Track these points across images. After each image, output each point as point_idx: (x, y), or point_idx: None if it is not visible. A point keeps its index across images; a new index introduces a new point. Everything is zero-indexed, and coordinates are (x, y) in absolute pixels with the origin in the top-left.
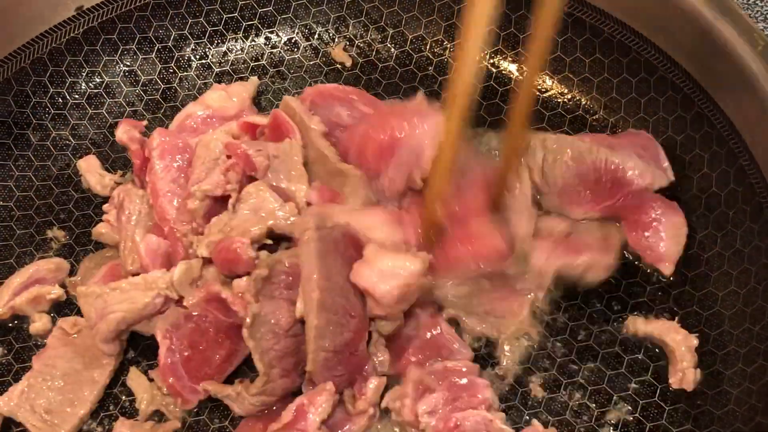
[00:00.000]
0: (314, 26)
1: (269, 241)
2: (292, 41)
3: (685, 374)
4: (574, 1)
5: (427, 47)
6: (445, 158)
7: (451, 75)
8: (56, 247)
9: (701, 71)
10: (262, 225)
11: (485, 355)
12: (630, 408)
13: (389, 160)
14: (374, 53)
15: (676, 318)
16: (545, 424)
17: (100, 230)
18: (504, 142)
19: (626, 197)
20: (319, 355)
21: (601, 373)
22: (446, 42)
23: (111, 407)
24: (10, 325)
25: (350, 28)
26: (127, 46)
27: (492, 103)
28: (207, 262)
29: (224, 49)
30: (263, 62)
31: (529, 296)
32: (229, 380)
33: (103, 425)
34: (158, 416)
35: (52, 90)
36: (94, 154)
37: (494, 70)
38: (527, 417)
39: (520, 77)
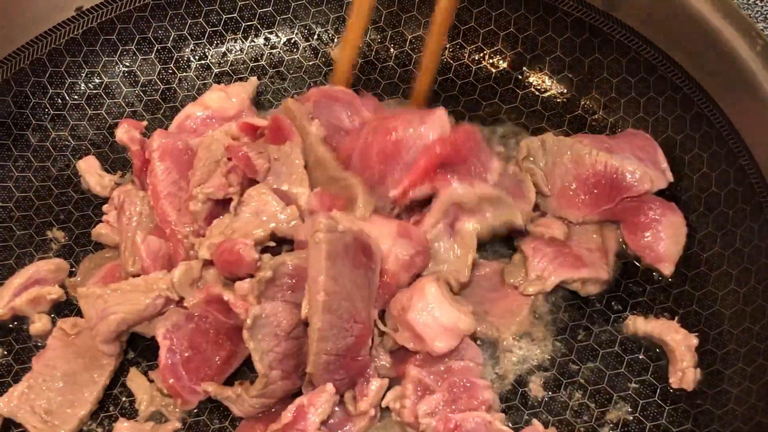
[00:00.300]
0: (314, 26)
1: (272, 243)
2: (292, 41)
3: (685, 374)
4: (574, 2)
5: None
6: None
7: None
8: (56, 247)
9: (701, 71)
10: (264, 228)
11: (485, 355)
12: (630, 408)
13: (395, 163)
14: (373, 53)
15: (676, 317)
16: (545, 424)
17: (100, 231)
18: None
19: (625, 201)
20: (321, 358)
21: (601, 373)
22: (445, 42)
23: (111, 408)
24: (10, 326)
25: None
26: (127, 47)
27: (491, 103)
28: (207, 263)
29: (223, 49)
30: (263, 63)
31: (528, 296)
32: (229, 381)
33: (103, 426)
34: (158, 417)
35: (51, 91)
36: (93, 154)
37: (493, 71)
38: (527, 417)
39: (520, 77)
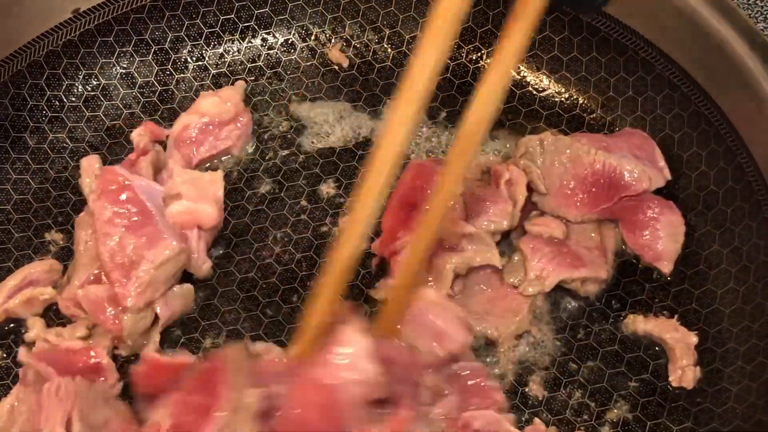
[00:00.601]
0: (311, 27)
1: None
2: (289, 42)
3: (684, 372)
4: None
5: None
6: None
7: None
8: (54, 250)
9: (699, 69)
10: None
11: (485, 355)
12: (630, 406)
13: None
14: (371, 54)
15: (676, 316)
16: (545, 423)
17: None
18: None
19: (623, 199)
20: None
21: (601, 372)
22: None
23: None
24: (7, 328)
25: (347, 29)
26: (124, 49)
27: None
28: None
29: (221, 50)
30: (260, 63)
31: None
32: None
33: None
34: None
35: (48, 93)
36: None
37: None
38: (528, 416)
39: (517, 77)
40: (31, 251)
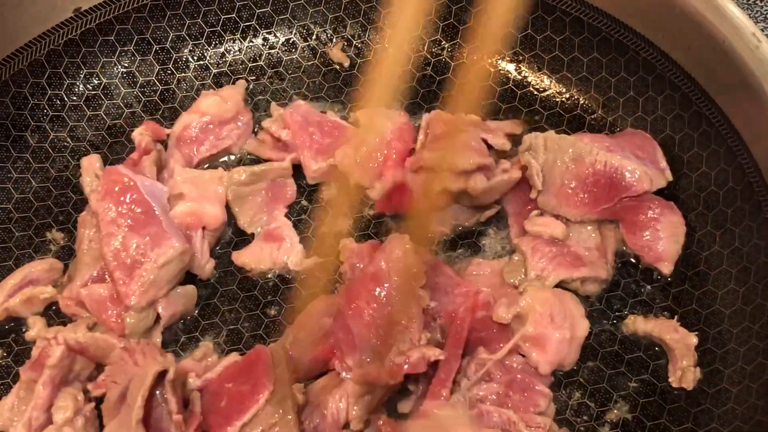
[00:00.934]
0: (312, 27)
1: None
2: (290, 42)
3: (684, 373)
4: (572, 1)
5: (425, 47)
6: None
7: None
8: (55, 249)
9: (699, 70)
10: None
11: None
12: (630, 407)
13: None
14: (372, 54)
15: (676, 317)
16: None
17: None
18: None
19: (624, 200)
20: None
21: (601, 372)
22: (444, 42)
23: None
24: (7, 327)
25: (348, 29)
26: (125, 48)
27: (490, 103)
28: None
29: (222, 50)
30: (261, 63)
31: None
32: None
33: None
34: None
35: (50, 92)
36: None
37: (491, 70)
38: None
39: (518, 77)
40: (32, 250)
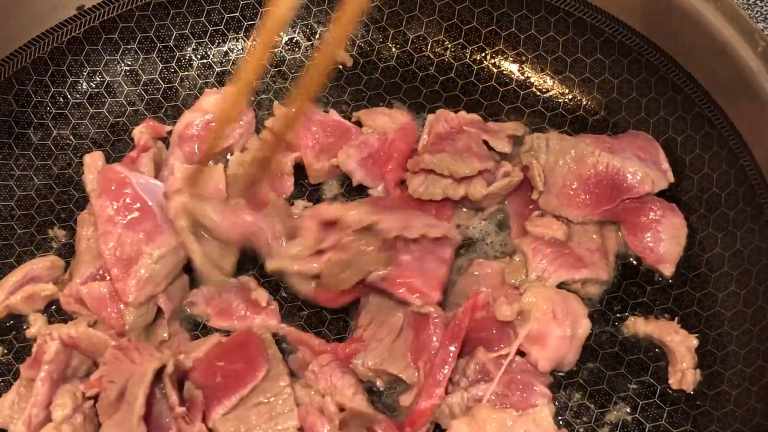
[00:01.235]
0: (315, 26)
1: None
2: (293, 41)
3: (684, 375)
4: (576, 2)
5: (428, 47)
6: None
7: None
8: (57, 246)
9: (702, 72)
10: None
11: None
12: (629, 408)
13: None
14: (375, 53)
15: (676, 318)
16: None
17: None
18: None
19: (625, 201)
20: None
21: (601, 374)
22: (447, 42)
23: None
24: (8, 324)
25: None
26: (128, 46)
27: (493, 103)
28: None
29: (225, 48)
30: (264, 62)
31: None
32: None
33: None
34: None
35: (53, 89)
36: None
37: (494, 71)
38: None
39: (521, 77)
40: (34, 248)
